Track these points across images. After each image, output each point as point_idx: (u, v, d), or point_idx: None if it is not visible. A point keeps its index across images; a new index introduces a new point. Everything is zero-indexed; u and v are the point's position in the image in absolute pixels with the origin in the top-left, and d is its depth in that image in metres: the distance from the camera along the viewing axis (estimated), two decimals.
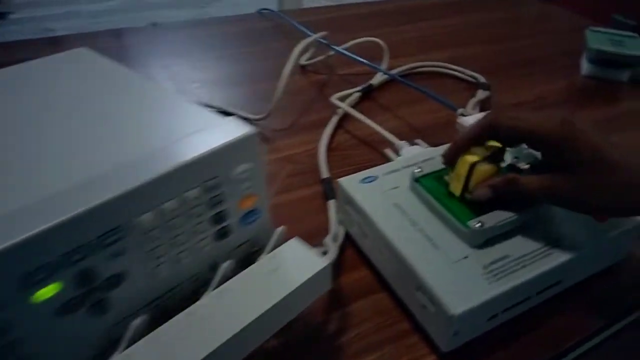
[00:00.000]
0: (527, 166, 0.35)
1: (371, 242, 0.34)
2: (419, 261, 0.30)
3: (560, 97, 0.60)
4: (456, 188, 0.33)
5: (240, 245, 0.28)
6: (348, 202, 0.36)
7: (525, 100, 0.59)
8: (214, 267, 0.27)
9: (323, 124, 0.51)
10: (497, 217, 0.31)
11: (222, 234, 0.26)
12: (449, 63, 0.65)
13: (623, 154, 0.28)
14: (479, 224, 0.30)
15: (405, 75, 0.63)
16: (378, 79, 0.59)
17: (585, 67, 0.66)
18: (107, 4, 1.47)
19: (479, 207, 0.32)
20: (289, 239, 0.28)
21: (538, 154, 0.35)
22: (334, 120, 0.51)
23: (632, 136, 0.53)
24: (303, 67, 0.64)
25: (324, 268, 0.27)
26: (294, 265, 0.27)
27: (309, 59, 0.64)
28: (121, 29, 0.74)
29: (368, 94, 0.58)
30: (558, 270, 0.31)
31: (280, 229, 0.28)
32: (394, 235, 0.32)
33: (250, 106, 0.55)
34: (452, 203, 0.33)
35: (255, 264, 0.27)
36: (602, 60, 0.64)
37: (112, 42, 0.70)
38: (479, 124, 0.32)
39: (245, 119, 0.52)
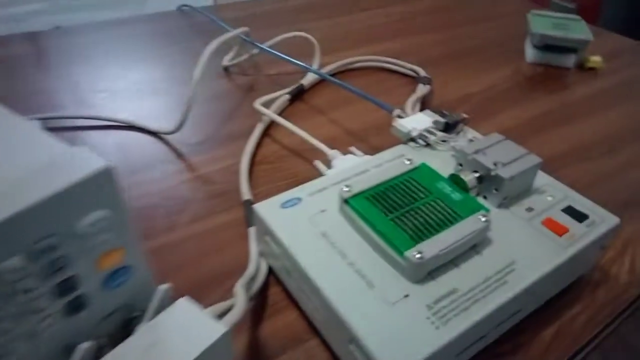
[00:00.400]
0: (473, 175, 0.30)
1: (295, 282, 0.28)
2: (350, 307, 0.24)
3: (507, 87, 0.56)
4: None
5: (110, 314, 0.21)
6: (266, 232, 0.30)
7: (470, 93, 0.54)
8: (70, 350, 0.20)
9: (247, 133, 0.45)
10: (439, 244, 0.26)
11: (75, 307, 0.19)
12: (389, 56, 0.59)
13: None
14: (419, 255, 0.25)
15: (341, 72, 0.57)
16: (310, 78, 0.53)
17: (529, 53, 0.62)
18: (31, 7, 1.33)
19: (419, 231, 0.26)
20: (206, 280, 0.22)
21: (488, 161, 0.30)
22: (259, 128, 0.44)
23: (591, 122, 0.49)
24: (226, 68, 0.57)
25: (222, 336, 0.21)
26: (181, 335, 0.20)
27: (233, 59, 0.57)
28: (22, 34, 0.65)
29: (299, 95, 0.52)
30: (517, 299, 0.26)
31: (163, 287, 0.22)
32: (320, 275, 0.26)
33: (164, 117, 0.48)
34: (388, 228, 0.27)
35: (130, 338, 0.20)
36: (547, 45, 0.60)
37: (14, 48, 0.60)
38: None
39: (154, 133, 0.45)
